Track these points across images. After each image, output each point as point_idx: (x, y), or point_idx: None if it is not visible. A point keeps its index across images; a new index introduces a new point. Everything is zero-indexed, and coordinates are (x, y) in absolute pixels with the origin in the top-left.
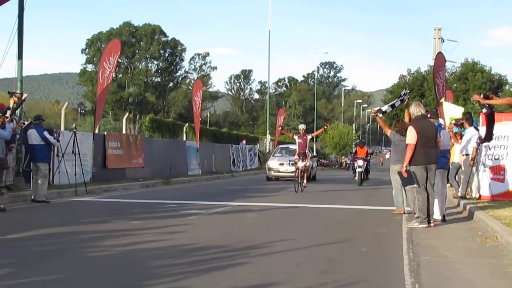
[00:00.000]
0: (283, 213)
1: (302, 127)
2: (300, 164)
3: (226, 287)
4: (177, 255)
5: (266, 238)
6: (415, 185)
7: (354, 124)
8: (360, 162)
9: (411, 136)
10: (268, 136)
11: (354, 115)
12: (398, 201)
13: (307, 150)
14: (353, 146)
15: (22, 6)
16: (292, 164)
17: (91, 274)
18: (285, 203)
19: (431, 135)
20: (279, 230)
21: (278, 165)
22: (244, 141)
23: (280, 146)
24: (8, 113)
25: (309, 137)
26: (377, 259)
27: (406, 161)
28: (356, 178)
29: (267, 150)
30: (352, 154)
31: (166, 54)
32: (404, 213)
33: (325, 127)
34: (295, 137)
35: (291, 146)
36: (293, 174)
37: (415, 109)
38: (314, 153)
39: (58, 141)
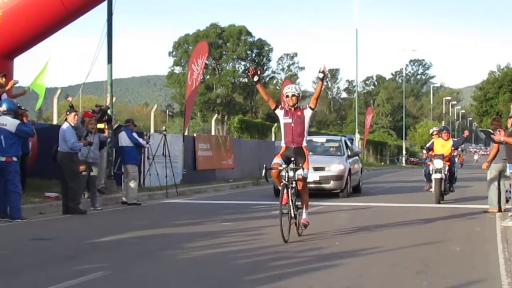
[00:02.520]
0: (375, 212)
1: (290, 90)
2: (287, 174)
3: None
4: (270, 257)
5: (359, 238)
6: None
7: (443, 122)
8: (438, 163)
9: None
10: (357, 135)
11: (443, 112)
12: (492, 200)
13: (304, 143)
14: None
15: (111, 11)
16: (268, 172)
17: (185, 276)
18: (376, 202)
19: None
20: (371, 230)
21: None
22: None
23: None
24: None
25: (307, 113)
26: (472, 258)
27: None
28: (432, 189)
29: (356, 150)
30: (426, 150)
31: (253, 55)
32: (500, 211)
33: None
34: (278, 112)
35: (316, 138)
36: (315, 184)
37: None
38: (357, 147)
39: (147, 143)
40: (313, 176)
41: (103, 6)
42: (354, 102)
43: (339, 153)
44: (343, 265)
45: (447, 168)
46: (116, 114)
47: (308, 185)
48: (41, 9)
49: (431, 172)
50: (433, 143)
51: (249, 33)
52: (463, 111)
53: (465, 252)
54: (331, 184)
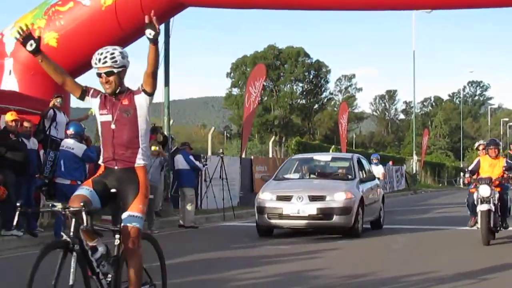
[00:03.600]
0: (433, 237)
1: (103, 65)
2: (74, 222)
3: None
4: (329, 282)
5: (416, 264)
6: None
7: (501, 143)
8: (484, 190)
9: None
10: (415, 157)
11: (501, 133)
12: None
13: (140, 162)
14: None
15: (168, 33)
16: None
17: None
18: (434, 224)
19: None
20: (428, 256)
21: (278, 200)
22: (390, 162)
23: (296, 156)
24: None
25: (140, 100)
26: None
27: None
28: (478, 226)
29: (414, 171)
30: (469, 173)
31: (311, 76)
32: None
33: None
34: (92, 102)
35: (318, 156)
36: (311, 221)
37: None
38: (382, 169)
39: (204, 166)
40: (308, 209)
41: (161, 28)
42: (412, 124)
43: (349, 176)
44: None
45: (497, 196)
46: (174, 136)
47: (301, 221)
48: (98, 31)
49: (475, 202)
50: (479, 162)
51: (307, 55)
52: None
53: None
54: (334, 220)
